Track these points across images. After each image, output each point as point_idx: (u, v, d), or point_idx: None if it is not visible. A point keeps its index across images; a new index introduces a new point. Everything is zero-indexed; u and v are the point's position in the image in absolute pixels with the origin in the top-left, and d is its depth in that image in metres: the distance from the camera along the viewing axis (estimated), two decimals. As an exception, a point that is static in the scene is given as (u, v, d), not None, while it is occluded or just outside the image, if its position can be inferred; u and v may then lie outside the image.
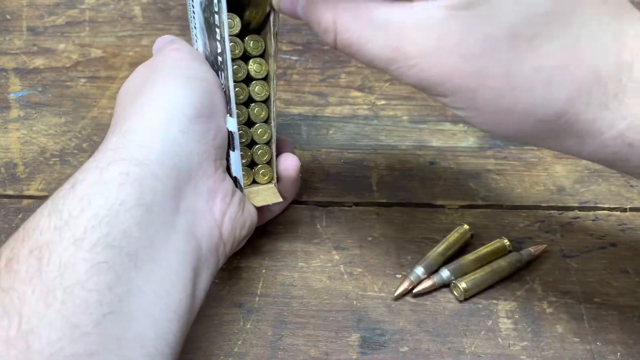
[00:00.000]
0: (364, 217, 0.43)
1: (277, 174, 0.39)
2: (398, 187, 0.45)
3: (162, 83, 0.34)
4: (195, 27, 0.37)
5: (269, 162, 0.38)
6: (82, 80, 0.52)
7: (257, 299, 0.39)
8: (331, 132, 0.48)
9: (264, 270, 0.40)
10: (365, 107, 0.50)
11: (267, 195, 0.38)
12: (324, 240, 0.42)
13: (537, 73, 0.25)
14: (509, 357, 0.36)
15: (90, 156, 0.46)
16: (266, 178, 0.38)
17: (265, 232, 0.41)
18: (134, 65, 0.53)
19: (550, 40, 0.25)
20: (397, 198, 0.44)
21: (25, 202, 0.44)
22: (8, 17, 0.57)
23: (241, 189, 0.37)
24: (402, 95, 0.50)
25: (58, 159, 0.47)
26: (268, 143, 0.38)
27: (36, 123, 0.49)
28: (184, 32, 0.55)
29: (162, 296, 0.28)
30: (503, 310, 0.38)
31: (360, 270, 0.40)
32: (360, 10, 0.27)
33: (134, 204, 0.29)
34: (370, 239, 0.42)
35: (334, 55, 0.53)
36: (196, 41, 0.38)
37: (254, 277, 0.40)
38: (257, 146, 0.38)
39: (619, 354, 0.36)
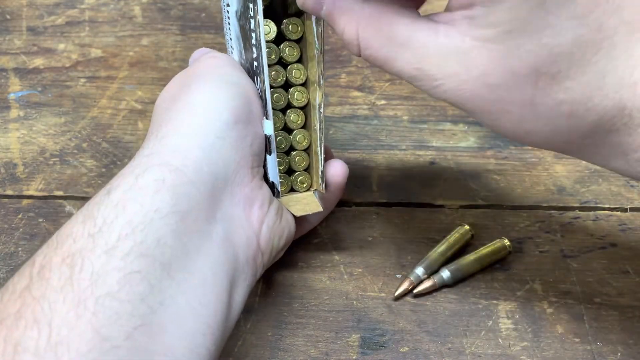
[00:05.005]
0: (364, 217, 0.43)
1: (325, 182, 0.37)
2: (398, 187, 0.45)
3: (199, 89, 0.33)
4: (230, 38, 0.37)
5: (307, 169, 0.37)
6: (82, 80, 0.52)
7: (257, 299, 0.39)
8: (331, 132, 0.48)
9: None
10: (365, 107, 0.50)
11: (307, 204, 0.37)
12: (324, 240, 0.42)
13: (559, 106, 0.26)
14: (509, 358, 0.36)
15: (90, 156, 0.46)
16: (304, 186, 0.37)
17: (265, 232, 0.41)
18: (134, 65, 0.53)
19: (574, 76, 0.25)
20: (397, 198, 0.44)
21: (25, 202, 0.44)
22: (8, 17, 0.57)
23: (278, 195, 0.36)
24: (402, 95, 0.50)
25: (58, 159, 0.47)
26: (307, 150, 0.37)
27: (36, 123, 0.49)
28: (184, 32, 0.55)
29: (196, 307, 0.27)
30: (503, 311, 0.38)
31: (360, 270, 0.40)
32: (383, 26, 0.28)
33: (169, 211, 0.28)
34: (370, 239, 0.42)
35: (334, 55, 0.53)
36: (232, 52, 0.38)
37: (254, 277, 0.40)
38: (295, 152, 0.37)
39: (619, 354, 0.36)
